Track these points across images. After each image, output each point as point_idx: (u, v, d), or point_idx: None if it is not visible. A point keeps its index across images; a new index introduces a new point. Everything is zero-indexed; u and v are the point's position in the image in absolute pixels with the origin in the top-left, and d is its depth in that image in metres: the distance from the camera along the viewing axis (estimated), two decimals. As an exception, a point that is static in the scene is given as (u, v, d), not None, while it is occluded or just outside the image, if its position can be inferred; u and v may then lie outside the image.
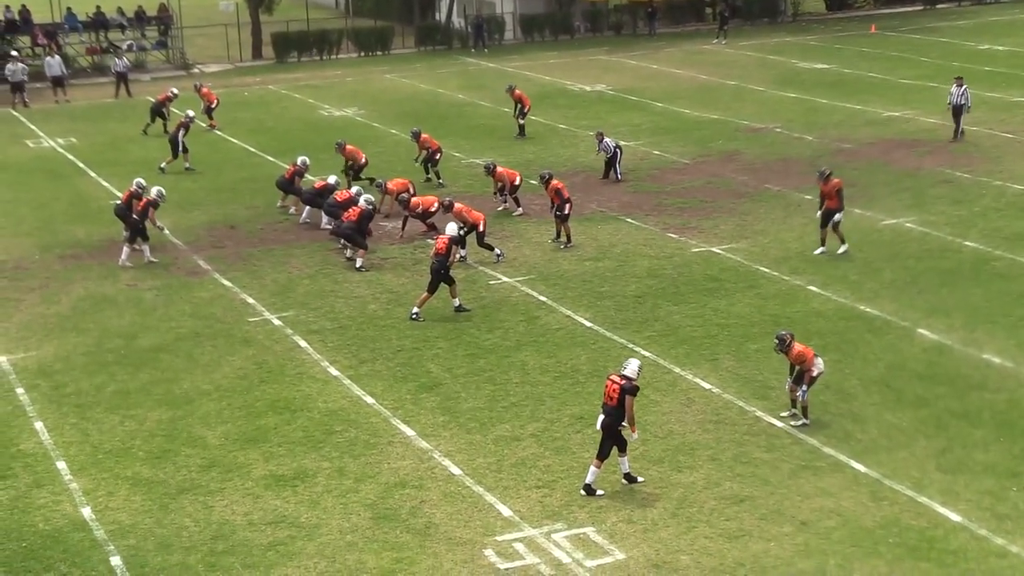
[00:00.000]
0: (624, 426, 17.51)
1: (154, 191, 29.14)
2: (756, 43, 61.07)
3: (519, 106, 41.49)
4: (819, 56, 56.02)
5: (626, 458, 17.79)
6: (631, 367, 17.77)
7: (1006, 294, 25.08)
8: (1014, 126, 39.68)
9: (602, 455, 17.68)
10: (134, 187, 29.13)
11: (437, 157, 34.99)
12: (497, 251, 28.26)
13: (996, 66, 50.33)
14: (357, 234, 27.95)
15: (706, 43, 61.74)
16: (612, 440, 17.63)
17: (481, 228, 27.82)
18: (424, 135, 35.41)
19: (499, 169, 32.07)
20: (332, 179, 31.48)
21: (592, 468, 17.71)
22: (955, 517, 16.75)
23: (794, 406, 19.72)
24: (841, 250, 27.71)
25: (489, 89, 50.24)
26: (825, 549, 16.12)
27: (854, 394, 20.41)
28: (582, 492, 17.70)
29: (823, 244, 27.89)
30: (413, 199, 29.63)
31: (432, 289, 24.88)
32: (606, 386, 17.69)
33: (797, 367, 19.42)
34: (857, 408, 20.01)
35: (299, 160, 32.39)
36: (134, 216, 28.78)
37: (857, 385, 20.73)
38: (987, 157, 35.93)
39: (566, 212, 28.75)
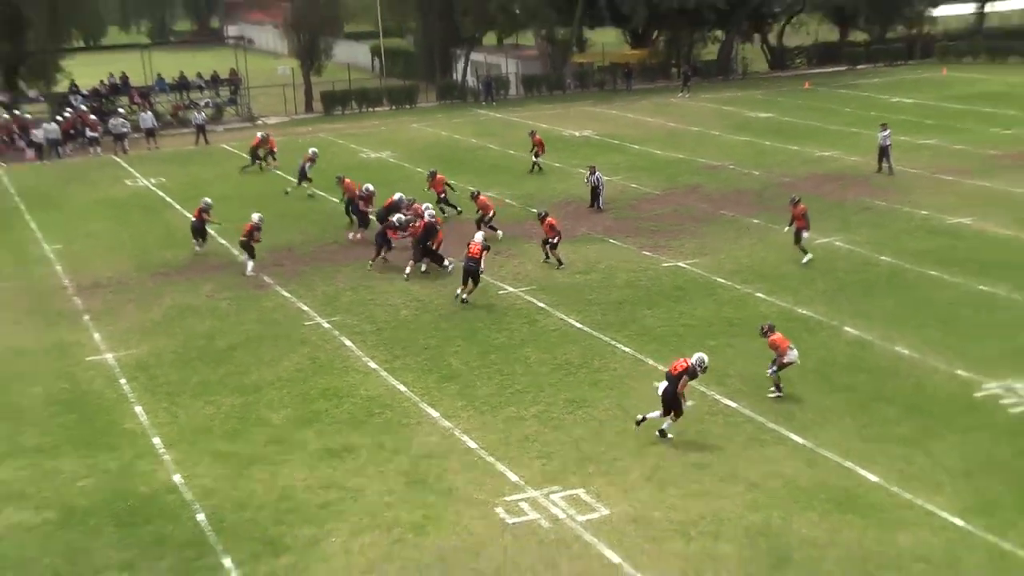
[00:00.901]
0: (682, 394, 18.18)
1: (255, 217, 29.52)
2: (713, 97, 61.16)
3: (535, 148, 41.50)
4: (764, 107, 56.11)
5: (669, 419, 18.37)
6: (699, 359, 18.34)
7: (914, 299, 25.19)
8: (920, 164, 39.73)
9: (667, 410, 18.34)
10: (255, 219, 29.42)
11: (443, 195, 34.49)
12: (447, 262, 28.57)
13: (905, 115, 50.36)
14: (422, 242, 28.23)
15: (672, 97, 61.79)
16: (669, 403, 18.16)
17: (434, 245, 28.34)
18: (439, 176, 35.09)
19: (481, 197, 32.01)
20: (397, 196, 31.40)
21: (657, 415, 18.40)
22: (873, 478, 16.92)
23: (777, 389, 20.01)
24: (804, 260, 28.01)
25: (497, 135, 50.36)
26: (770, 504, 16.28)
27: (794, 381, 20.48)
28: (656, 434, 18.38)
29: (806, 253, 28.17)
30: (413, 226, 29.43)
31: (473, 284, 25.76)
32: (674, 363, 18.40)
33: (773, 352, 19.82)
34: (796, 393, 20.11)
35: (363, 187, 32.46)
36: (243, 238, 29.16)
37: (796, 374, 20.79)
38: (899, 189, 36.00)
39: (555, 243, 28.80)
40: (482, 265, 25.80)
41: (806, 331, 23.20)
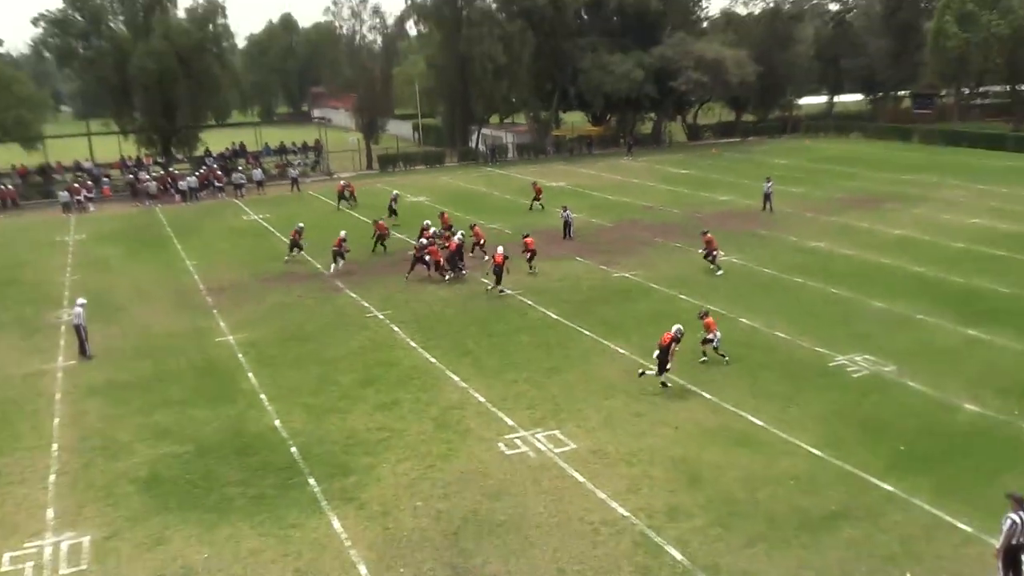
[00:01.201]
0: (673, 354, 18.32)
1: (342, 233, 30.81)
2: (649, 159, 61.13)
3: (536, 193, 41.20)
4: (684, 166, 56.10)
5: (657, 373, 18.51)
6: (677, 329, 18.39)
7: (787, 298, 25.16)
8: (791, 206, 39.71)
9: (660, 370, 18.37)
10: (343, 235, 30.67)
11: (450, 226, 33.17)
12: (463, 271, 28.60)
13: (781, 172, 50.33)
14: (455, 258, 28.48)
15: (620, 159, 61.80)
16: (663, 363, 18.24)
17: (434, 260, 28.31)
18: (445, 214, 34.49)
19: (476, 228, 31.73)
20: (432, 229, 31.33)
21: (653, 372, 18.51)
22: (759, 422, 16.92)
23: (704, 355, 20.16)
24: (718, 273, 27.97)
25: (499, 186, 50.23)
26: (687, 442, 16.28)
27: (705, 354, 20.46)
28: (640, 373, 18.70)
29: (719, 268, 28.14)
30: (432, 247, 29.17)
31: (496, 282, 26.36)
32: (663, 336, 18.37)
33: (704, 331, 20.03)
34: (706, 363, 20.08)
35: (424, 222, 32.16)
36: (335, 248, 30.15)
37: (706, 350, 20.77)
38: (777, 224, 35.96)
39: (530, 257, 28.77)
40: (506, 268, 26.41)
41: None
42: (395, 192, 40.03)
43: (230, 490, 15.20)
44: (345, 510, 14.41)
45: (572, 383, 19.28)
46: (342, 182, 45.54)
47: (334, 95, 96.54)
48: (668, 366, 18.34)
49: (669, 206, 41.12)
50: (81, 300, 22.99)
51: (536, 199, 41.30)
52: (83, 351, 22.44)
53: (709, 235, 28.60)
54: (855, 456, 15.45)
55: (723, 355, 19.94)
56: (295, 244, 32.13)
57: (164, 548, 13.62)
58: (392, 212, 38.82)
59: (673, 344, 18.23)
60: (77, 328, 22.41)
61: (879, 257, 29.53)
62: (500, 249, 26.89)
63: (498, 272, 26.31)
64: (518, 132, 71.00)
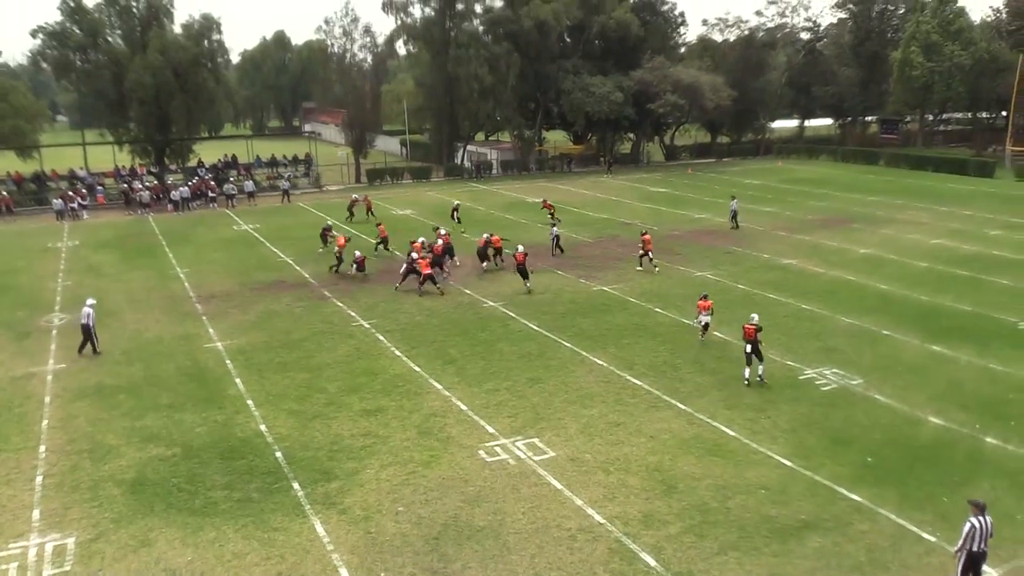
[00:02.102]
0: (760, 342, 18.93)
1: (344, 241, 31.73)
2: (628, 177, 61.33)
3: (550, 211, 40.62)
4: (661, 184, 56.32)
5: (761, 366, 19.05)
6: (756, 319, 19.12)
7: (759, 311, 24.93)
8: (763, 224, 39.93)
9: (749, 362, 18.87)
10: (351, 248, 32.07)
11: (384, 239, 33.25)
12: (446, 275, 29.45)
13: (754, 192, 50.70)
14: (442, 258, 29.45)
15: (600, 177, 61.98)
16: (755, 354, 18.72)
17: (425, 273, 27.90)
18: (382, 226, 34.49)
19: (438, 232, 31.72)
20: (421, 240, 31.34)
21: (747, 370, 18.99)
22: (731, 432, 16.86)
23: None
24: (656, 270, 29.46)
25: (483, 200, 50.15)
26: (662, 450, 16.18)
27: (680, 366, 20.52)
28: (745, 383, 18.89)
29: (655, 267, 29.77)
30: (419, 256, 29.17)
31: (525, 279, 27.55)
32: (746, 329, 18.88)
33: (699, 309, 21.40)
34: (681, 375, 20.08)
35: (439, 233, 32.22)
36: (340, 252, 31.20)
37: (680, 362, 20.80)
38: (748, 241, 36.13)
39: (494, 255, 29.43)
40: (528, 266, 27.57)
41: (688, 333, 23.17)
42: (456, 202, 40.75)
43: (215, 494, 14.92)
44: (328, 514, 14.19)
45: (551, 392, 19.16)
46: (355, 196, 45.17)
47: (325, 110, 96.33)
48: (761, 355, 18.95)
49: (647, 222, 41.17)
50: (91, 300, 22.89)
51: (551, 215, 40.45)
52: (82, 349, 22.43)
53: (647, 235, 29.87)
54: (824, 467, 15.43)
55: (701, 332, 20.53)
56: (322, 238, 34.21)
57: (148, 550, 13.33)
58: (457, 221, 39.62)
59: (759, 334, 18.88)
60: (85, 327, 22.28)
61: (847, 275, 29.69)
62: (520, 248, 27.98)
63: (522, 271, 27.24)
64: (502, 149, 71.12)
